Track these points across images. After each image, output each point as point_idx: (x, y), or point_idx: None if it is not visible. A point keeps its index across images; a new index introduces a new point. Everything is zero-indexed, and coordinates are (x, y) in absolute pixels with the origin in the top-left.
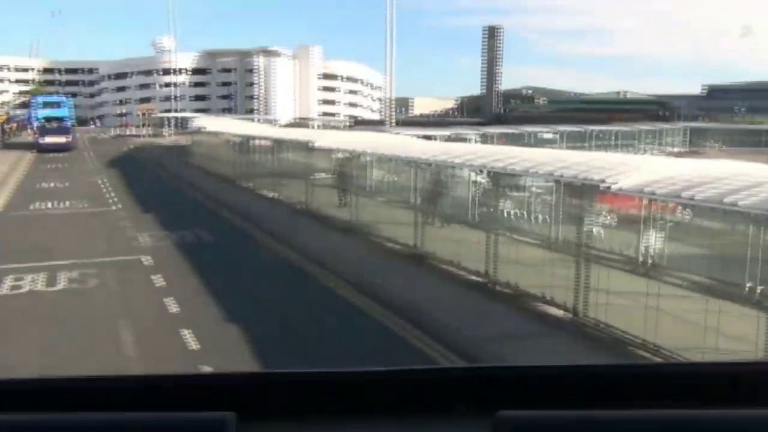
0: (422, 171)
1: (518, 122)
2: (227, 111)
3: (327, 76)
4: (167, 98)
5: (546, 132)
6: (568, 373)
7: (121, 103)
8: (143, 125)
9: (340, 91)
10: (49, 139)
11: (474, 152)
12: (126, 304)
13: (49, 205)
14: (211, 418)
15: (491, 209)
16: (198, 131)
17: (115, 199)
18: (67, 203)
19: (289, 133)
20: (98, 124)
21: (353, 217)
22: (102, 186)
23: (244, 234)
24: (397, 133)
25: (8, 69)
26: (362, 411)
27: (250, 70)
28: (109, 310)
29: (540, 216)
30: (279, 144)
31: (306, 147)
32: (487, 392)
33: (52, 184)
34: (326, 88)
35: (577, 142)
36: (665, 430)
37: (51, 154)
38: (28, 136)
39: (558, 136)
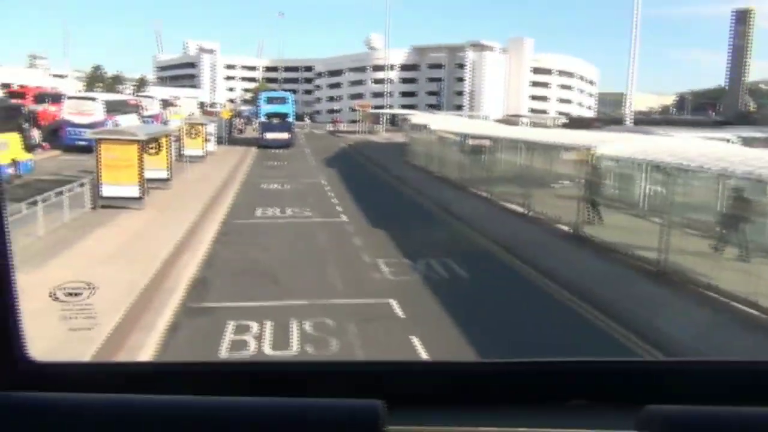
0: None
1: None
2: (433, 107)
3: (538, 71)
4: (377, 95)
5: None
6: (715, 368)
7: (332, 99)
8: (359, 121)
9: (551, 86)
10: (270, 136)
11: None
12: None
13: (273, 212)
14: (363, 404)
15: None
16: (417, 128)
17: (340, 208)
18: (290, 211)
19: (520, 132)
20: (312, 120)
21: (661, 257)
22: (324, 189)
23: (510, 270)
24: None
25: (237, 68)
26: (506, 401)
27: (460, 66)
28: None
29: None
30: (510, 144)
31: (548, 148)
32: (631, 386)
33: (274, 185)
34: (537, 83)
35: None
36: None
37: (272, 150)
38: (253, 132)
39: None
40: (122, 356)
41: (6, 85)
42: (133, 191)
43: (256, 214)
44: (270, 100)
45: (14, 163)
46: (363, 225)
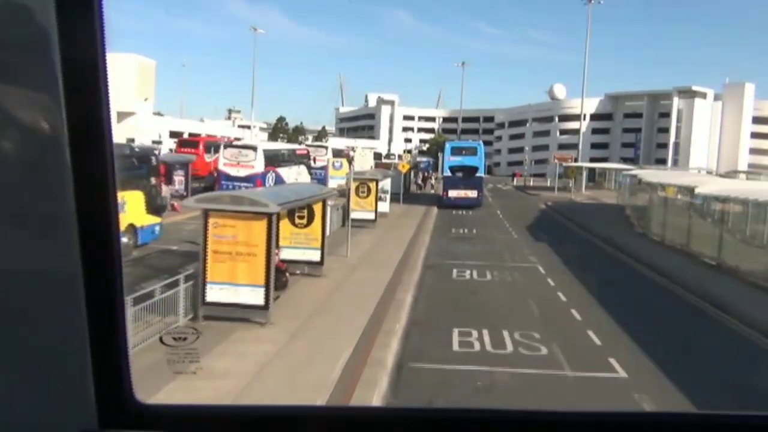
0: None
1: None
2: (629, 161)
3: (760, 120)
4: (563, 146)
5: None
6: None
7: (513, 151)
8: (564, 176)
9: None
10: (455, 193)
11: None
12: None
13: (480, 341)
14: None
15: None
16: (653, 188)
17: (596, 337)
18: (512, 338)
19: None
20: (490, 173)
21: None
22: (547, 283)
23: None
24: None
25: (415, 119)
26: None
27: (663, 115)
28: None
29: None
30: None
31: None
32: None
33: (469, 274)
34: (758, 135)
35: None
36: None
37: (456, 212)
38: (433, 188)
39: None
40: None
41: (177, 134)
42: (255, 296)
43: (452, 346)
44: (456, 151)
45: (132, 229)
46: (663, 394)
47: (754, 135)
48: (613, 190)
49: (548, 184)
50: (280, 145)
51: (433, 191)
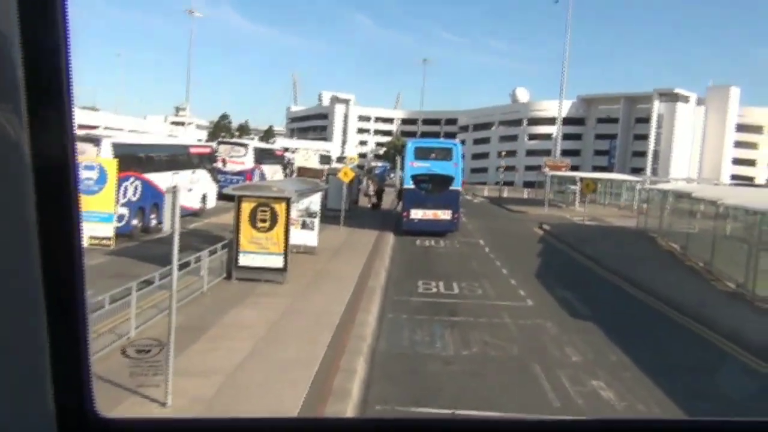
0: None
1: None
2: (601, 169)
3: (743, 128)
4: (531, 153)
5: None
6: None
7: (477, 157)
8: (559, 191)
9: (761, 147)
10: (420, 214)
11: None
12: None
13: None
14: None
15: None
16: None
17: None
18: None
19: None
20: None
21: None
22: None
23: None
24: None
25: (372, 120)
26: None
27: (641, 120)
28: None
29: None
30: None
31: None
32: None
33: None
34: (742, 143)
35: None
36: None
37: (421, 242)
38: (391, 201)
39: None
40: None
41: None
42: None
43: None
44: (422, 153)
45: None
46: None
47: (738, 144)
48: (609, 205)
49: (525, 196)
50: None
51: (396, 209)
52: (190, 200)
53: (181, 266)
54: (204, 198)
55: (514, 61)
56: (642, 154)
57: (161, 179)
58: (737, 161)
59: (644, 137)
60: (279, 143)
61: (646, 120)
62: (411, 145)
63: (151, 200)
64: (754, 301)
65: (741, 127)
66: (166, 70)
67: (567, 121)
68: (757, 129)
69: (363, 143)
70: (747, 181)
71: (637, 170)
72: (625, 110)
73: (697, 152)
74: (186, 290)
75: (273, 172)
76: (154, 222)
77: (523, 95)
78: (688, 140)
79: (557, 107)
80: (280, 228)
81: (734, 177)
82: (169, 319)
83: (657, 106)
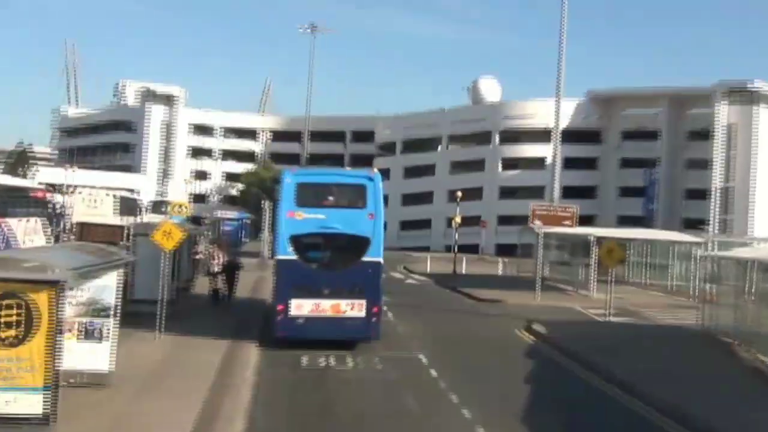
0: None
1: None
2: (633, 222)
3: None
4: (507, 192)
5: None
6: None
7: (410, 200)
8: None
9: None
10: (307, 309)
11: None
12: None
13: None
14: None
15: None
16: None
17: None
18: None
19: None
20: None
21: None
22: None
23: None
24: None
25: (216, 132)
26: None
27: (697, 133)
28: None
29: None
30: None
31: None
32: None
33: None
34: None
35: None
36: None
37: (310, 360)
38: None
39: None
40: None
41: None
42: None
43: None
44: (311, 194)
45: None
46: None
47: None
48: (649, 287)
49: (499, 272)
50: None
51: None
52: None
53: None
54: None
55: (473, 29)
56: (702, 193)
57: None
58: None
59: (704, 164)
60: (41, 176)
61: (704, 134)
62: (291, 179)
63: None
64: None
65: None
66: None
67: (571, 135)
68: None
69: (201, 176)
70: None
71: (695, 222)
72: (671, 118)
73: None
74: None
75: (28, 231)
76: None
77: (490, 90)
78: None
79: (552, 111)
80: (39, 339)
81: None
82: None
83: (724, 111)
